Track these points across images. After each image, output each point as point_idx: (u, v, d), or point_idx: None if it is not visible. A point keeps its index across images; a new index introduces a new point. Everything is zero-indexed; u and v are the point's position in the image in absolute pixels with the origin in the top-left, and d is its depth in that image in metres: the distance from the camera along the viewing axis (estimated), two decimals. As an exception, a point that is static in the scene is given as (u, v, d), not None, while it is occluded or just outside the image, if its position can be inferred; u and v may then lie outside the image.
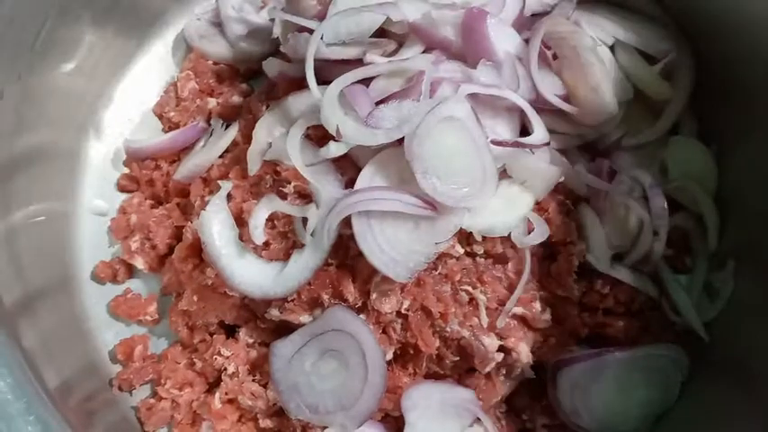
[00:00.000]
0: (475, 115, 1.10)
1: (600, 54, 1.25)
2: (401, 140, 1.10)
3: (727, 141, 1.31)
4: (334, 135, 1.11)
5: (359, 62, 1.19)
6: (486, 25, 1.20)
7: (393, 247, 1.10)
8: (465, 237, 1.15)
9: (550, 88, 1.24)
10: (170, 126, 1.49)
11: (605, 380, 1.19)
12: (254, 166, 1.20)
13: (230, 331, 1.29)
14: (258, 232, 1.15)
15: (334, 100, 1.13)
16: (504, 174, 1.17)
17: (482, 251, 1.17)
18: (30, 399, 0.91)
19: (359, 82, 1.16)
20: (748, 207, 1.26)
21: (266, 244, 1.18)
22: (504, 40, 1.22)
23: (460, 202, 1.08)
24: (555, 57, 1.27)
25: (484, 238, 1.15)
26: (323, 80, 1.16)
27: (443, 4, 1.21)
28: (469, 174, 1.09)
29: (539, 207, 1.20)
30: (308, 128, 1.17)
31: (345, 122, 1.12)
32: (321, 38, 1.17)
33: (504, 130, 1.18)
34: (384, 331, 1.16)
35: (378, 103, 1.15)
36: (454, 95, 1.11)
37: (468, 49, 1.21)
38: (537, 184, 1.18)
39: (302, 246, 1.15)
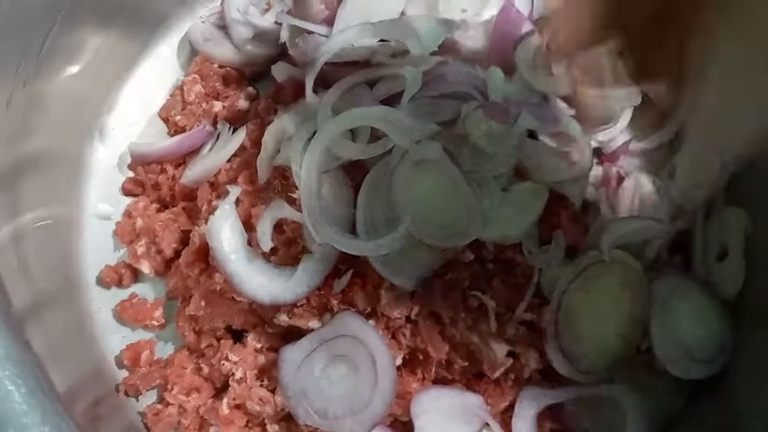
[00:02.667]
0: (447, 154, 1.10)
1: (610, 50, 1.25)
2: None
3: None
4: None
5: (366, 63, 1.19)
6: (519, 34, 1.21)
7: (399, 255, 1.11)
8: (474, 241, 1.15)
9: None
10: (176, 130, 1.47)
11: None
12: (263, 174, 1.19)
13: (238, 336, 1.29)
14: (265, 239, 1.15)
15: (328, 108, 1.14)
16: (513, 177, 1.18)
17: (491, 257, 1.17)
18: (44, 408, 0.91)
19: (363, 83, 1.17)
20: (755, 212, 1.26)
21: (275, 249, 1.18)
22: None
23: (449, 242, 1.09)
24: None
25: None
26: (328, 83, 1.16)
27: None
28: (453, 212, 1.10)
29: (549, 212, 1.20)
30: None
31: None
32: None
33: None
34: (393, 336, 1.16)
35: (383, 102, 1.15)
36: (426, 140, 1.10)
37: (494, 47, 1.22)
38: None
39: (311, 251, 1.15)
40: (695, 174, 1.31)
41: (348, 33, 1.13)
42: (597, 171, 1.30)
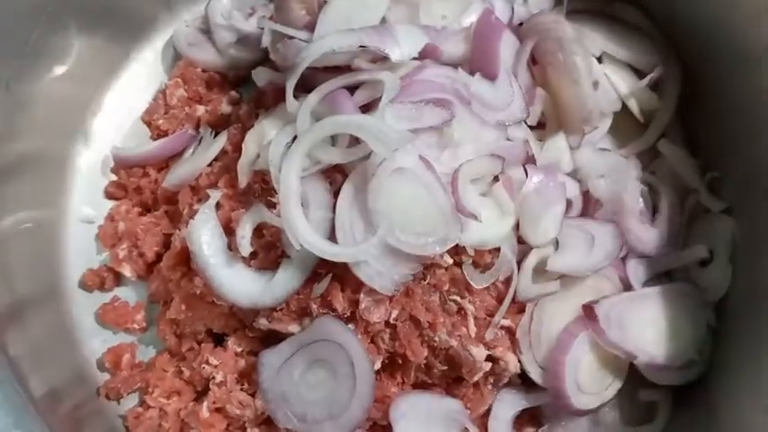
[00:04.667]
0: (424, 162, 1.11)
1: (584, 45, 1.26)
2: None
3: (714, 152, 1.32)
4: None
5: (347, 68, 1.19)
6: (500, 40, 1.22)
7: (378, 259, 1.11)
8: (454, 246, 1.15)
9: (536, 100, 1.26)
10: (159, 134, 1.48)
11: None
12: (244, 178, 1.20)
13: (218, 340, 1.29)
14: (245, 243, 1.15)
15: (308, 113, 1.14)
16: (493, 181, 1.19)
17: (471, 261, 1.17)
18: (18, 414, 0.91)
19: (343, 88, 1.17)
20: (735, 217, 1.27)
21: (254, 253, 1.18)
22: (507, 54, 1.24)
23: (427, 249, 1.09)
24: (535, 62, 1.29)
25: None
26: (308, 88, 1.16)
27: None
28: (430, 221, 1.10)
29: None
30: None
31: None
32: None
33: (490, 140, 1.18)
34: (372, 341, 1.17)
35: (363, 108, 1.15)
36: (404, 149, 1.10)
37: (474, 54, 1.23)
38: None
39: (290, 255, 1.15)
40: (675, 179, 1.32)
41: (329, 39, 1.14)
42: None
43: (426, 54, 1.19)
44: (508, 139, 1.20)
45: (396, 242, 1.08)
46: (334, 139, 1.15)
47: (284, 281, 1.15)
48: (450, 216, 1.09)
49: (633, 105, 1.32)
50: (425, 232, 1.09)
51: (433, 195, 1.10)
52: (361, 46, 1.14)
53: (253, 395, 1.21)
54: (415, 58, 1.18)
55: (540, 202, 1.19)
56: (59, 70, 1.38)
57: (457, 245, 1.12)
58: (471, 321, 1.17)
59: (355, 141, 1.14)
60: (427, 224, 1.09)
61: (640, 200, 1.27)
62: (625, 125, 1.33)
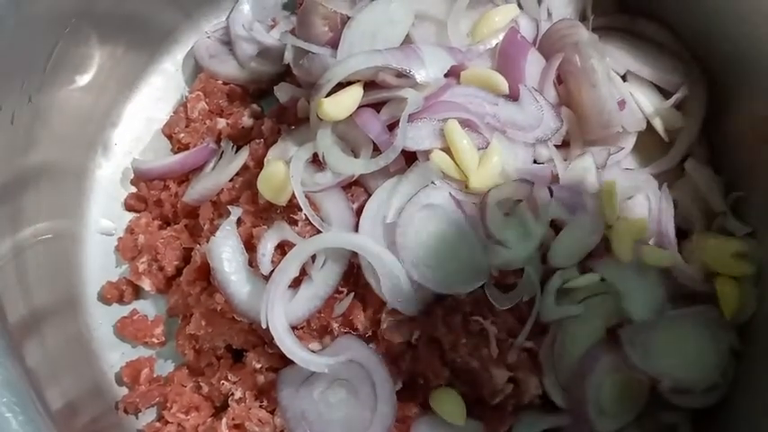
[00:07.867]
0: (455, 200, 1.11)
1: (599, 49, 1.25)
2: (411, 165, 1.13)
3: (737, 172, 1.31)
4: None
5: (371, 83, 1.18)
6: (525, 59, 1.21)
7: (400, 280, 1.11)
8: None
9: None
10: (179, 147, 1.48)
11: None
12: (265, 195, 1.19)
13: (238, 355, 1.29)
14: (265, 260, 1.14)
15: (328, 130, 1.14)
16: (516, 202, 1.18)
17: (494, 281, 1.16)
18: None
19: (370, 105, 1.16)
20: (760, 235, 1.26)
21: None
22: (532, 72, 1.23)
23: (452, 290, 1.10)
24: (560, 81, 1.27)
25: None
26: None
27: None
28: (457, 259, 1.10)
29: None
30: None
31: (330, 151, 1.13)
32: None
33: (518, 163, 1.18)
34: (394, 361, 1.16)
35: (390, 126, 1.14)
36: (434, 186, 1.11)
37: (499, 71, 1.21)
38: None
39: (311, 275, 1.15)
40: (699, 199, 1.30)
41: (354, 60, 1.13)
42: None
43: (453, 73, 1.18)
44: (535, 161, 1.20)
45: (421, 279, 1.08)
46: (355, 152, 1.15)
47: (305, 299, 1.14)
48: (478, 258, 1.10)
49: (658, 124, 1.30)
50: (452, 272, 1.10)
51: (462, 236, 1.10)
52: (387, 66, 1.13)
53: (272, 412, 1.21)
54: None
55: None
56: (80, 82, 1.38)
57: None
58: (493, 343, 1.15)
59: (377, 151, 1.13)
60: (454, 264, 1.10)
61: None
62: (649, 144, 1.32)
